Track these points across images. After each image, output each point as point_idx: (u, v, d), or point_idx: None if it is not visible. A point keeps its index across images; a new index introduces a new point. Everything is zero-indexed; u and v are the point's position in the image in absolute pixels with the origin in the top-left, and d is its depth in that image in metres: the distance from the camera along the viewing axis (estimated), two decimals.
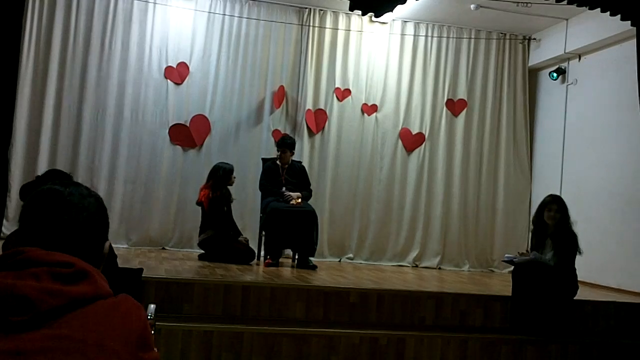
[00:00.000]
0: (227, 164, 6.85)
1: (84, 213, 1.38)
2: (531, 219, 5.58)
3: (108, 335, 1.24)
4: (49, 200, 1.37)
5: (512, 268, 5.61)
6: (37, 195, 1.39)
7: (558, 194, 8.00)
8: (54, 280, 1.25)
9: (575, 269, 5.35)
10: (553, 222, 5.32)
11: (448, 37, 8.65)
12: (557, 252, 5.24)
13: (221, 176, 6.68)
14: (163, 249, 7.69)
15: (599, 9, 5.61)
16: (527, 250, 5.66)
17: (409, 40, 8.56)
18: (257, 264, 6.67)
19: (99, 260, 1.40)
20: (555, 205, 5.35)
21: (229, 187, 6.80)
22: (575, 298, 5.42)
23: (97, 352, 1.21)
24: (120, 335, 1.26)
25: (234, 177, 6.81)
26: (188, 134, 7.92)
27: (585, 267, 7.09)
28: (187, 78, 7.95)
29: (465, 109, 8.66)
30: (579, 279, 5.42)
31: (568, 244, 5.26)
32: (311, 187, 7.20)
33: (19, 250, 1.30)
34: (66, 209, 1.36)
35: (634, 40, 5.95)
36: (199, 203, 6.74)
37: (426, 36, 8.60)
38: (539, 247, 5.41)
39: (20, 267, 1.26)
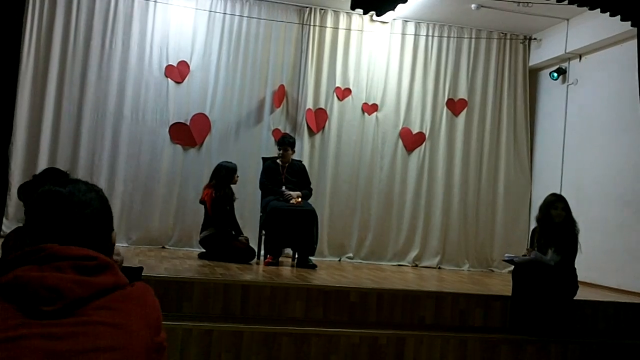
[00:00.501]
0: (230, 163, 6.86)
1: (87, 210, 1.42)
2: (535, 218, 5.58)
3: (132, 320, 1.32)
4: (50, 202, 1.41)
5: (512, 268, 5.62)
6: (38, 198, 1.42)
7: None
8: (78, 272, 1.32)
9: (575, 269, 5.36)
10: (560, 220, 5.35)
11: (449, 37, 8.65)
12: (559, 249, 5.25)
13: (224, 176, 6.70)
14: (163, 247, 7.69)
15: (599, 9, 5.60)
16: (527, 249, 5.67)
17: (410, 40, 8.56)
18: (257, 263, 6.67)
19: (109, 250, 1.45)
20: (561, 204, 5.39)
21: (232, 185, 6.83)
22: (575, 298, 5.42)
23: (124, 335, 1.29)
24: (140, 320, 1.34)
25: (237, 177, 6.82)
26: (188, 133, 7.92)
27: (585, 267, 7.09)
28: (187, 77, 7.95)
29: (465, 109, 8.66)
30: (579, 279, 5.42)
31: (570, 242, 5.29)
32: (311, 186, 7.20)
33: (40, 247, 1.35)
34: (69, 209, 1.40)
35: (635, 41, 5.95)
36: (202, 202, 6.76)
37: (427, 36, 8.59)
38: (542, 246, 5.41)
39: (43, 262, 1.33)
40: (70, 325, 1.26)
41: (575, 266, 5.37)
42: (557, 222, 5.34)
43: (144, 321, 1.34)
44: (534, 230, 5.68)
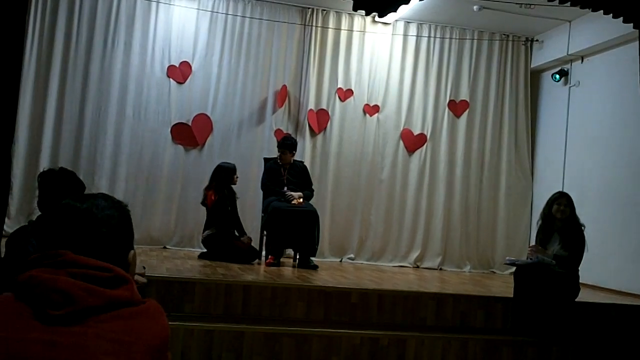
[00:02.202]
0: (228, 163, 6.87)
1: (103, 228, 1.41)
2: (540, 214, 5.60)
3: (137, 339, 1.30)
4: (67, 217, 1.41)
5: (513, 269, 5.61)
6: (57, 212, 1.43)
7: None
8: (91, 282, 1.31)
9: (578, 271, 5.35)
10: (562, 217, 5.37)
11: (451, 38, 8.65)
12: (566, 246, 5.26)
13: (224, 177, 6.71)
14: (164, 248, 7.70)
15: (602, 11, 5.60)
16: (530, 247, 5.66)
17: (412, 41, 8.56)
18: (259, 264, 6.67)
19: (125, 268, 1.43)
20: (564, 200, 5.42)
21: (232, 185, 6.84)
22: (576, 300, 5.42)
23: (126, 353, 1.27)
24: (148, 339, 1.32)
25: (237, 177, 6.83)
26: (190, 133, 7.92)
27: (587, 269, 7.06)
28: (189, 77, 7.96)
29: (467, 110, 8.66)
30: (582, 281, 5.42)
31: (577, 239, 5.30)
32: (313, 187, 7.20)
33: (58, 252, 1.35)
34: (84, 225, 1.40)
35: (637, 43, 5.94)
36: (203, 204, 6.78)
37: (429, 37, 8.60)
38: (546, 242, 5.43)
39: (59, 266, 1.32)
40: (73, 335, 1.25)
41: (579, 268, 5.38)
42: (559, 219, 5.36)
43: (150, 342, 1.32)
44: (539, 226, 5.67)
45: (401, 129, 8.46)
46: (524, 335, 5.21)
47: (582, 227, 5.40)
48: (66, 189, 2.99)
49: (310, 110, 8.19)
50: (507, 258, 5.82)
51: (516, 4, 7.34)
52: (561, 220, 5.38)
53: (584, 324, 5.54)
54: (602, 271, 7.07)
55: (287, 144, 6.99)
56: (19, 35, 7.47)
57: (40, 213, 3.16)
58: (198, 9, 7.98)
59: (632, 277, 6.80)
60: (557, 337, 5.21)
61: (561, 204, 5.40)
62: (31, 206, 7.00)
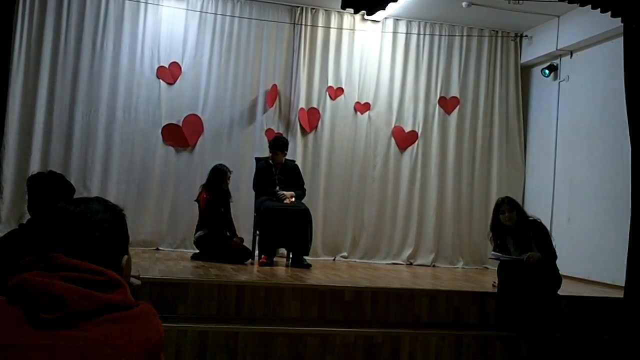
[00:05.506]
0: (223, 166, 6.83)
1: (95, 232, 1.40)
2: (489, 226, 5.60)
3: (132, 341, 1.29)
4: (59, 221, 1.40)
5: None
6: (50, 215, 1.42)
7: (550, 190, 8.08)
8: (85, 285, 1.30)
9: (555, 264, 5.35)
10: (512, 223, 5.34)
11: (440, 35, 8.66)
12: (541, 248, 5.25)
13: (214, 179, 6.70)
14: (157, 249, 7.67)
15: (589, 6, 5.62)
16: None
17: (401, 38, 8.57)
18: (252, 263, 6.66)
19: (118, 273, 1.42)
20: (506, 206, 5.38)
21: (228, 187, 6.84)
22: (572, 294, 5.44)
23: (121, 356, 1.27)
24: (141, 343, 1.31)
25: (226, 183, 6.73)
26: (181, 134, 7.90)
27: (579, 263, 7.11)
28: (179, 78, 7.93)
29: (457, 107, 8.67)
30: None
31: (544, 235, 5.29)
32: (305, 187, 7.19)
33: (51, 255, 1.34)
34: (77, 229, 1.39)
35: None
36: (197, 200, 6.78)
37: (418, 34, 8.60)
38: (503, 249, 5.43)
39: (52, 270, 1.31)
40: (66, 338, 1.24)
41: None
42: (508, 225, 5.35)
43: (144, 345, 1.32)
44: (490, 237, 5.66)
45: (392, 126, 8.47)
46: (508, 331, 5.21)
47: (539, 222, 5.33)
48: (55, 192, 2.99)
49: (301, 109, 8.19)
50: (492, 252, 5.76)
51: None
52: (514, 225, 5.36)
53: (576, 317, 5.56)
54: (594, 264, 7.09)
55: (278, 144, 6.98)
56: (6, 37, 7.44)
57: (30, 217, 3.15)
58: (187, 9, 7.96)
59: (621, 270, 6.81)
60: (542, 330, 5.21)
61: (504, 211, 5.37)
62: (22, 209, 6.96)
